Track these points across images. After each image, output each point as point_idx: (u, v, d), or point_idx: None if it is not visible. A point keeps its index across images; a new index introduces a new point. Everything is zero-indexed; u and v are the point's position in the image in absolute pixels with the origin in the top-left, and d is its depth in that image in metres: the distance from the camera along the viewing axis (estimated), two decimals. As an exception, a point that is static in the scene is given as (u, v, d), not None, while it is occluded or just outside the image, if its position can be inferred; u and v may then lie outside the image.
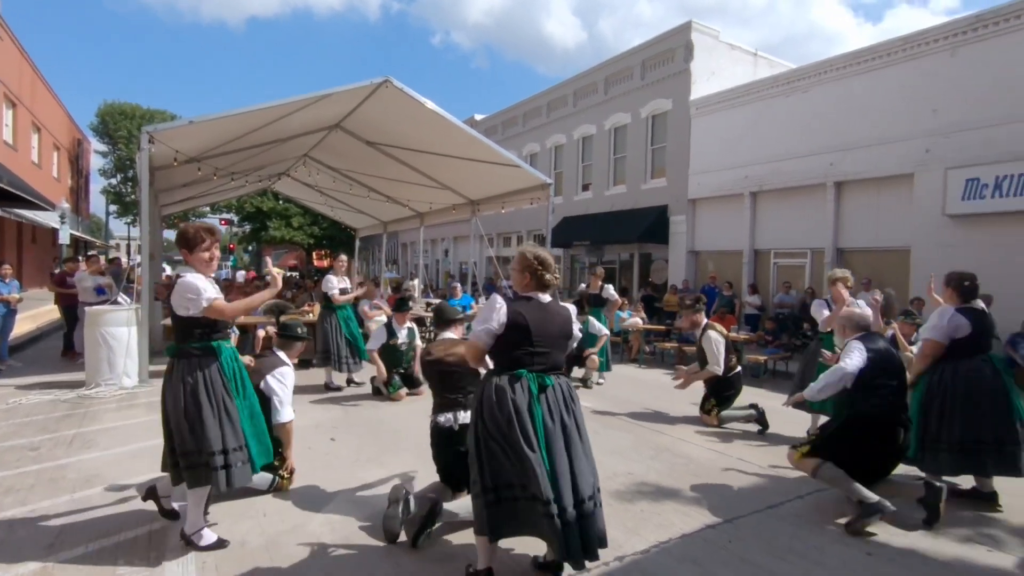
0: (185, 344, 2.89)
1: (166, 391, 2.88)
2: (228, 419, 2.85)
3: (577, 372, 7.64)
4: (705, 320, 6.02)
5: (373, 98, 8.23)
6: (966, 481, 3.89)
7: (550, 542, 2.44)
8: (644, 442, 5.03)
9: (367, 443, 4.75)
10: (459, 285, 12.29)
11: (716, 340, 5.72)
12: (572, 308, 2.79)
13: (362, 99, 8.30)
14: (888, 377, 3.52)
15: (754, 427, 5.54)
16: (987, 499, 3.73)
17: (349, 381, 7.09)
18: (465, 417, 3.22)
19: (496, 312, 2.52)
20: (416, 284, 14.09)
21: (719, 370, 5.67)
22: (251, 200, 29.48)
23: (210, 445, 2.78)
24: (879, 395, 3.48)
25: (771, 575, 2.80)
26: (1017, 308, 8.68)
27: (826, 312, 4.92)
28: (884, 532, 3.30)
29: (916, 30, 10.63)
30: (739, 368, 5.93)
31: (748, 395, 6.12)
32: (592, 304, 7.71)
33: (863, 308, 4.42)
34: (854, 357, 3.50)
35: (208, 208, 28.02)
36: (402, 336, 6.57)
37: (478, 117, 24.48)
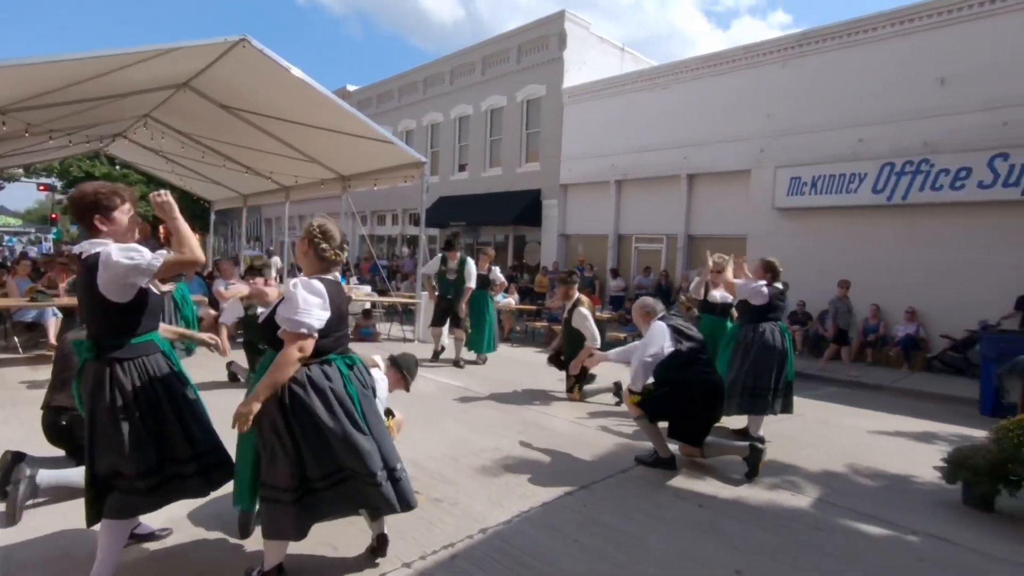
0: (121, 340, 2.31)
1: (98, 403, 2.27)
2: (187, 424, 2.46)
3: (449, 353, 7.69)
4: (577, 295, 6.23)
5: (228, 58, 7.48)
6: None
7: (376, 509, 2.45)
8: (511, 417, 5.22)
9: (219, 432, 4.41)
10: (328, 264, 11.74)
11: (586, 315, 5.95)
12: (364, 286, 2.76)
13: (215, 58, 7.51)
14: (697, 350, 4.06)
15: (612, 400, 5.97)
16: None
17: None
18: None
19: (324, 297, 2.35)
20: (276, 262, 13.15)
21: (598, 343, 5.89)
22: (78, 163, 25.53)
23: (148, 462, 2.31)
24: (695, 368, 3.97)
25: (620, 533, 3.06)
26: (828, 289, 10.22)
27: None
28: (712, 487, 3.76)
29: (755, 41, 11.94)
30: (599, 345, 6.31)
31: (611, 369, 6.56)
32: (479, 285, 7.71)
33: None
34: (655, 340, 3.97)
35: (21, 170, 23.82)
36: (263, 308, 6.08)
37: (351, 88, 23.33)
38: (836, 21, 10.89)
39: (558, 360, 6.31)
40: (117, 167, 26.15)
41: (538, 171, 16.16)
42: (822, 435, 5.14)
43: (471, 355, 7.75)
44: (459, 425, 4.88)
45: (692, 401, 3.93)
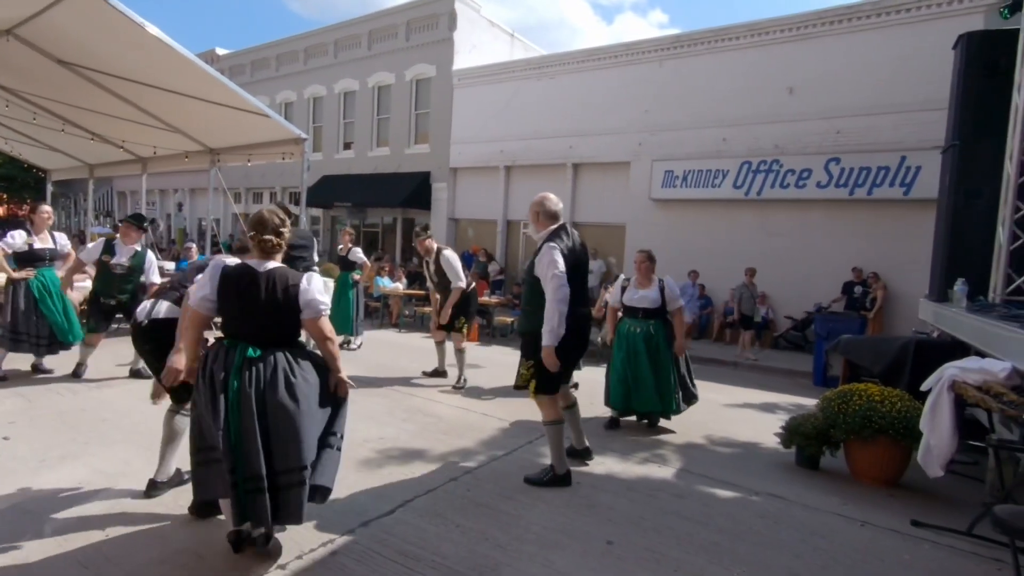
0: None
1: None
2: None
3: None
4: (436, 245, 6.07)
5: (65, 6, 6.48)
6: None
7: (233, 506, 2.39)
8: (397, 405, 5.17)
9: (60, 437, 3.91)
10: (194, 245, 10.77)
11: (452, 257, 5.87)
12: (315, 278, 2.63)
13: (47, 4, 6.48)
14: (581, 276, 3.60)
15: (495, 384, 6.08)
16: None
17: (36, 367, 5.55)
18: (157, 311, 3.35)
19: (212, 278, 2.51)
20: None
21: (463, 284, 5.83)
22: None
23: None
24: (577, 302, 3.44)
25: (502, 514, 3.16)
26: (699, 276, 11.13)
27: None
28: (588, 464, 3.99)
29: (635, 40, 12.59)
30: (474, 284, 6.31)
31: (488, 352, 6.70)
32: (341, 267, 7.41)
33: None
34: (552, 270, 3.28)
35: None
36: (122, 256, 5.30)
37: (220, 51, 21.30)
38: (704, 27, 11.80)
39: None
40: (-82, 124, 21.77)
41: (427, 153, 15.90)
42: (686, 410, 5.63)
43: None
44: (342, 416, 4.73)
45: (571, 337, 3.42)
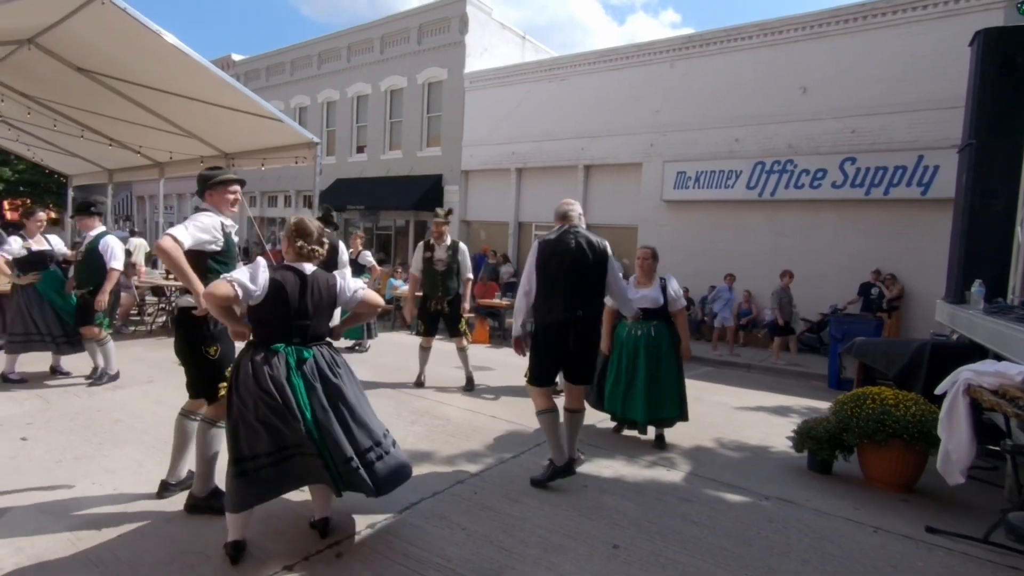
0: None
1: None
2: None
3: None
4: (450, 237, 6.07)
5: (84, 15, 6.61)
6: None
7: (332, 487, 2.61)
8: (405, 407, 5.18)
9: (76, 438, 3.99)
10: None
11: (467, 251, 6.06)
12: (347, 273, 2.82)
13: (66, 13, 6.62)
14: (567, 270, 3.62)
15: (505, 385, 6.10)
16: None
17: (54, 369, 5.68)
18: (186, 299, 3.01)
19: (261, 272, 2.54)
20: (142, 244, 11.90)
21: (471, 275, 6.02)
22: None
23: None
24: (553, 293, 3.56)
25: (507, 517, 3.16)
26: (705, 273, 11.05)
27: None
28: (596, 467, 3.97)
29: (646, 40, 12.53)
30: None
31: (497, 354, 6.70)
32: (352, 271, 7.44)
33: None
34: (525, 270, 3.74)
35: None
36: (82, 245, 5.25)
37: (236, 57, 21.58)
38: (716, 27, 11.72)
39: (432, 315, 5.96)
40: (-55, 131, 22.32)
41: (439, 156, 15.97)
42: (695, 412, 5.52)
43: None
44: (351, 418, 4.76)
45: (545, 336, 3.58)
